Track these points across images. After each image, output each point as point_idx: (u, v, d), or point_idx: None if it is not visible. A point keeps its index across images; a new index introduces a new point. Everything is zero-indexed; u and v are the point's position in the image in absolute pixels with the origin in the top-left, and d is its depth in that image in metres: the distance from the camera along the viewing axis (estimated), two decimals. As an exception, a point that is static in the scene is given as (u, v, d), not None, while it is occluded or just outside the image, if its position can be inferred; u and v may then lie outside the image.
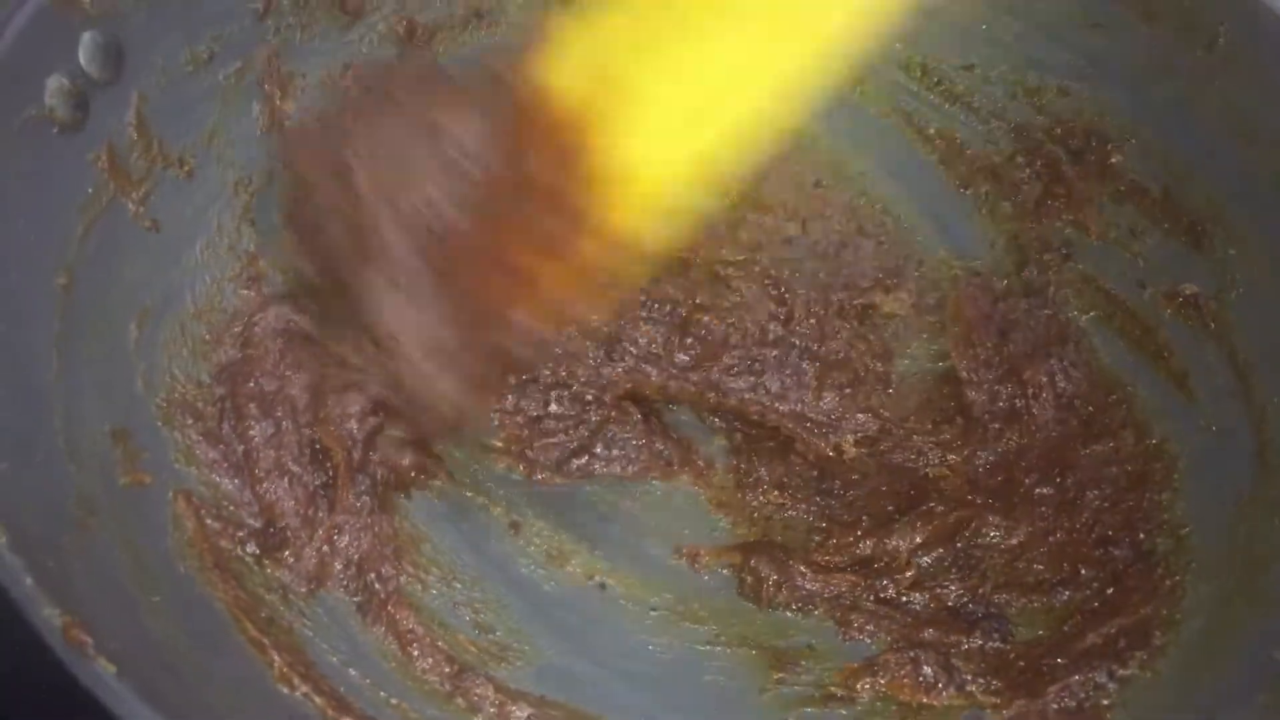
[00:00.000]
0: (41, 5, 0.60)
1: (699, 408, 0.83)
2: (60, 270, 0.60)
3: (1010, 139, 0.81)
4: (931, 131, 0.83)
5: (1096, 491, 0.71)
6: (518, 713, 0.68)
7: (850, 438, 0.81)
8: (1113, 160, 0.77)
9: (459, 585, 0.74)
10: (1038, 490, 0.74)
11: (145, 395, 0.64)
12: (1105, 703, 0.62)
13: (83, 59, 0.63)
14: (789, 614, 0.73)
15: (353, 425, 0.72)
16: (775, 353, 0.83)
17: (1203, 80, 0.72)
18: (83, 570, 0.50)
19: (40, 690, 0.46)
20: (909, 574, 0.75)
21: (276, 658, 0.58)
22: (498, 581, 0.75)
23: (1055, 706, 0.63)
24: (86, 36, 0.63)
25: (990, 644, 0.68)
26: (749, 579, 0.75)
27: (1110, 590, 0.66)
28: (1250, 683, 0.54)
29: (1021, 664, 0.65)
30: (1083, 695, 0.62)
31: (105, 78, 0.64)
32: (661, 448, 0.81)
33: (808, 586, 0.75)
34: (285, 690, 0.57)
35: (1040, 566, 0.70)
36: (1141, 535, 0.67)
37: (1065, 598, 0.67)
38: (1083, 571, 0.68)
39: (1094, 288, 0.78)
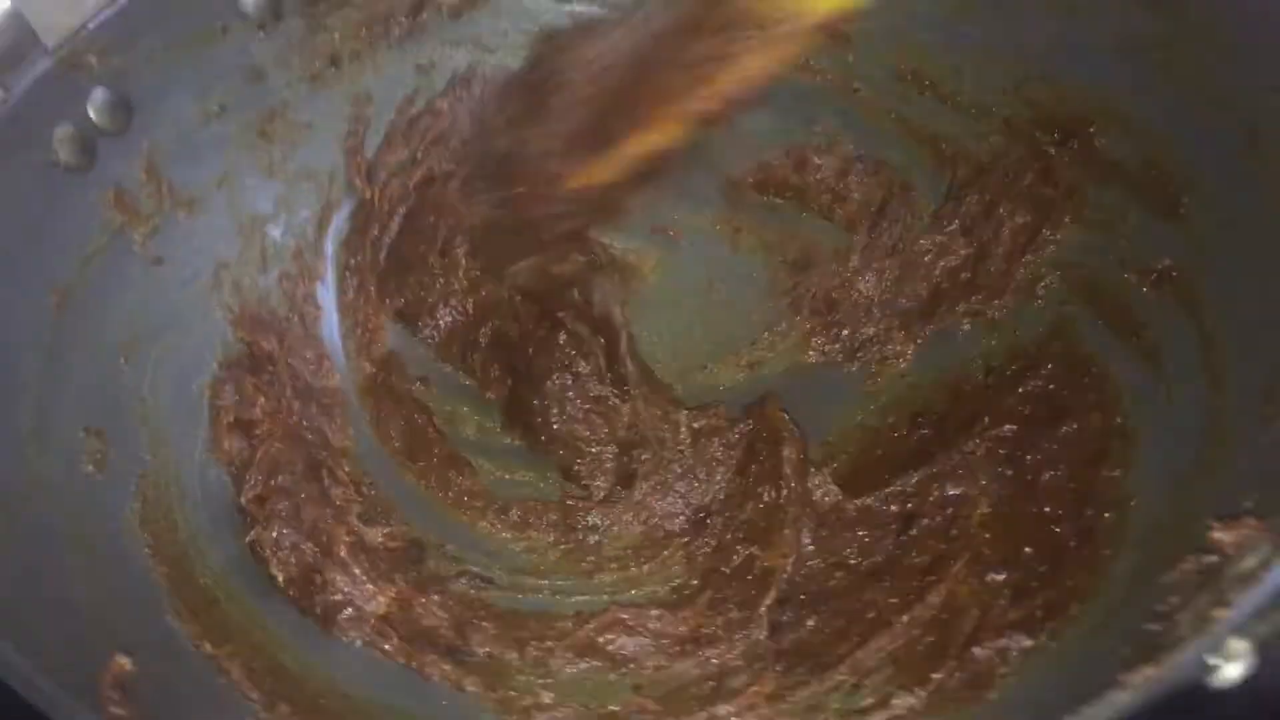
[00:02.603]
0: (49, 65, 0.64)
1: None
2: (54, 290, 0.65)
3: (1001, 137, 0.80)
4: (927, 133, 0.83)
5: (1052, 472, 0.67)
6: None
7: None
8: (1097, 143, 0.75)
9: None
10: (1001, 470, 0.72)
11: (129, 404, 0.69)
12: (1001, 671, 0.59)
13: (91, 112, 0.67)
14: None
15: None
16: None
17: (1174, 50, 0.70)
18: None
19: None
20: None
21: (206, 639, 0.62)
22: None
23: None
24: (96, 92, 0.66)
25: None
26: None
27: (1045, 568, 0.63)
28: (1133, 658, 0.50)
29: (938, 639, 0.63)
30: (985, 662, 0.59)
31: (114, 129, 0.68)
32: None
33: None
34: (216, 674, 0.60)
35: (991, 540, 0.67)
36: (1090, 512, 0.63)
37: (1003, 577, 0.64)
38: (1027, 550, 0.65)
39: (1079, 274, 0.76)
